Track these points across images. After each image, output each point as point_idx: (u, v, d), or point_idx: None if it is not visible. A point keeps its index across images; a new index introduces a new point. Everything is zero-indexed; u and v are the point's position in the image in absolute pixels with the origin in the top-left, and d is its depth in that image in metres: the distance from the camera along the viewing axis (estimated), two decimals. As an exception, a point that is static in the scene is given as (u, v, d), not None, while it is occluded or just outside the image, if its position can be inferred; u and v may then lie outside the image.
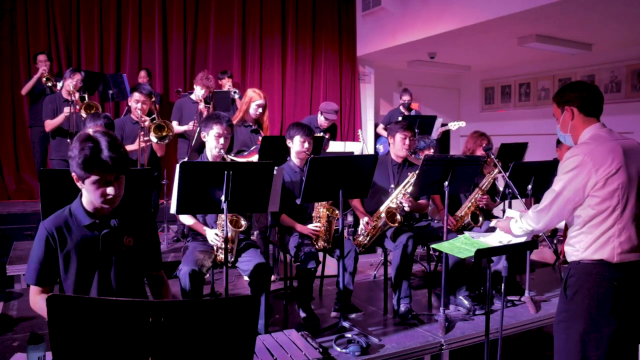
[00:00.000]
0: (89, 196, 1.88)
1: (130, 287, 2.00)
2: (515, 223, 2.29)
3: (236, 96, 5.61)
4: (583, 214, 2.06)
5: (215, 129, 3.05)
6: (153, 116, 4.20)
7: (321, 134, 4.98)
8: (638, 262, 2.04)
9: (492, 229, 2.63)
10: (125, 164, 1.86)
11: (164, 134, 4.10)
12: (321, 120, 5.19)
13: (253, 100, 4.27)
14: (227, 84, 6.36)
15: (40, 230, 1.91)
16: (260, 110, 4.29)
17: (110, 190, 1.84)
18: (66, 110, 4.60)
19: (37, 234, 1.92)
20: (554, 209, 2.10)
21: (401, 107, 6.94)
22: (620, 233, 2.02)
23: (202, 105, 5.05)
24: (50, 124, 4.71)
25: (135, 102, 4.17)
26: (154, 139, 4.06)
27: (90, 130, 1.86)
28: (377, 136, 7.87)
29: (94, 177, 1.81)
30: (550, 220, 2.13)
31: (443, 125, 6.79)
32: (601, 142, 2.06)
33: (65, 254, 1.90)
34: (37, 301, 1.91)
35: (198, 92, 5.10)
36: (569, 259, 2.15)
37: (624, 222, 2.02)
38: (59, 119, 4.66)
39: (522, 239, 2.37)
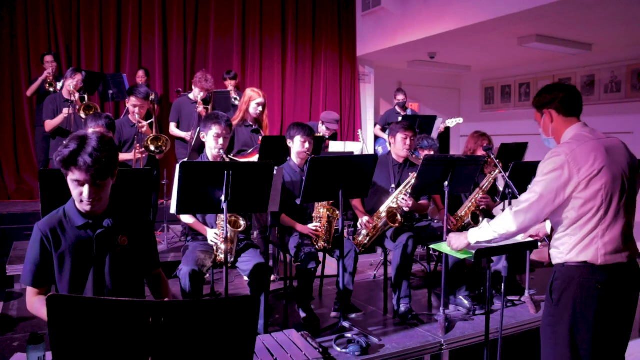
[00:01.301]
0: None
1: (126, 286, 2.00)
2: (480, 230, 2.19)
3: (237, 102, 5.56)
4: (568, 215, 2.00)
5: (214, 129, 3.05)
6: (151, 120, 4.20)
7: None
8: (623, 264, 1.98)
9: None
10: (103, 172, 1.81)
11: (160, 144, 4.12)
12: (322, 129, 5.19)
13: (253, 99, 4.26)
14: (230, 85, 6.32)
15: (35, 232, 1.90)
16: (260, 109, 4.28)
17: (85, 192, 1.82)
18: (65, 111, 4.60)
19: (32, 236, 1.91)
20: (532, 211, 2.01)
21: (397, 107, 6.91)
22: (604, 234, 1.96)
23: (200, 108, 5.00)
24: (50, 124, 4.71)
25: (133, 106, 4.16)
26: (152, 148, 4.09)
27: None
28: (376, 137, 7.87)
29: (71, 175, 1.81)
30: (528, 222, 2.04)
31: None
32: (583, 142, 2.00)
33: (59, 255, 1.89)
34: (34, 303, 1.90)
35: (196, 94, 5.06)
36: (554, 261, 2.09)
37: (608, 222, 1.97)
38: (58, 119, 4.66)
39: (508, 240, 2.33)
